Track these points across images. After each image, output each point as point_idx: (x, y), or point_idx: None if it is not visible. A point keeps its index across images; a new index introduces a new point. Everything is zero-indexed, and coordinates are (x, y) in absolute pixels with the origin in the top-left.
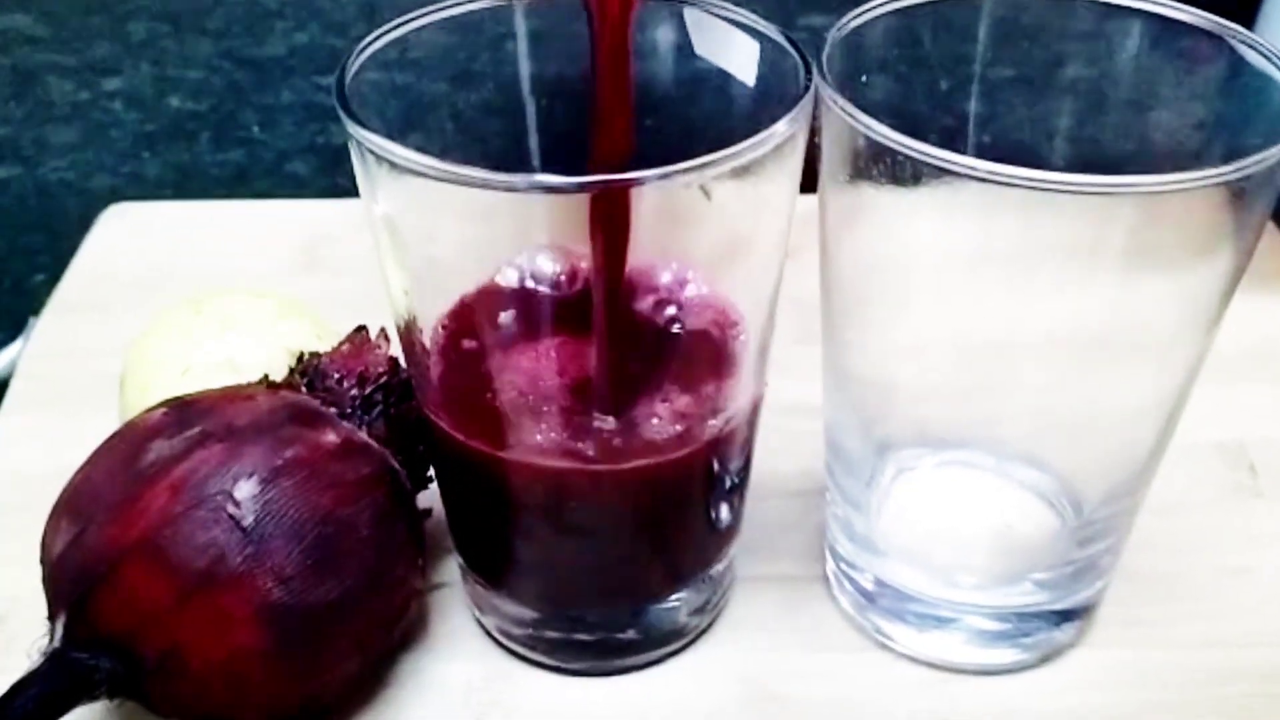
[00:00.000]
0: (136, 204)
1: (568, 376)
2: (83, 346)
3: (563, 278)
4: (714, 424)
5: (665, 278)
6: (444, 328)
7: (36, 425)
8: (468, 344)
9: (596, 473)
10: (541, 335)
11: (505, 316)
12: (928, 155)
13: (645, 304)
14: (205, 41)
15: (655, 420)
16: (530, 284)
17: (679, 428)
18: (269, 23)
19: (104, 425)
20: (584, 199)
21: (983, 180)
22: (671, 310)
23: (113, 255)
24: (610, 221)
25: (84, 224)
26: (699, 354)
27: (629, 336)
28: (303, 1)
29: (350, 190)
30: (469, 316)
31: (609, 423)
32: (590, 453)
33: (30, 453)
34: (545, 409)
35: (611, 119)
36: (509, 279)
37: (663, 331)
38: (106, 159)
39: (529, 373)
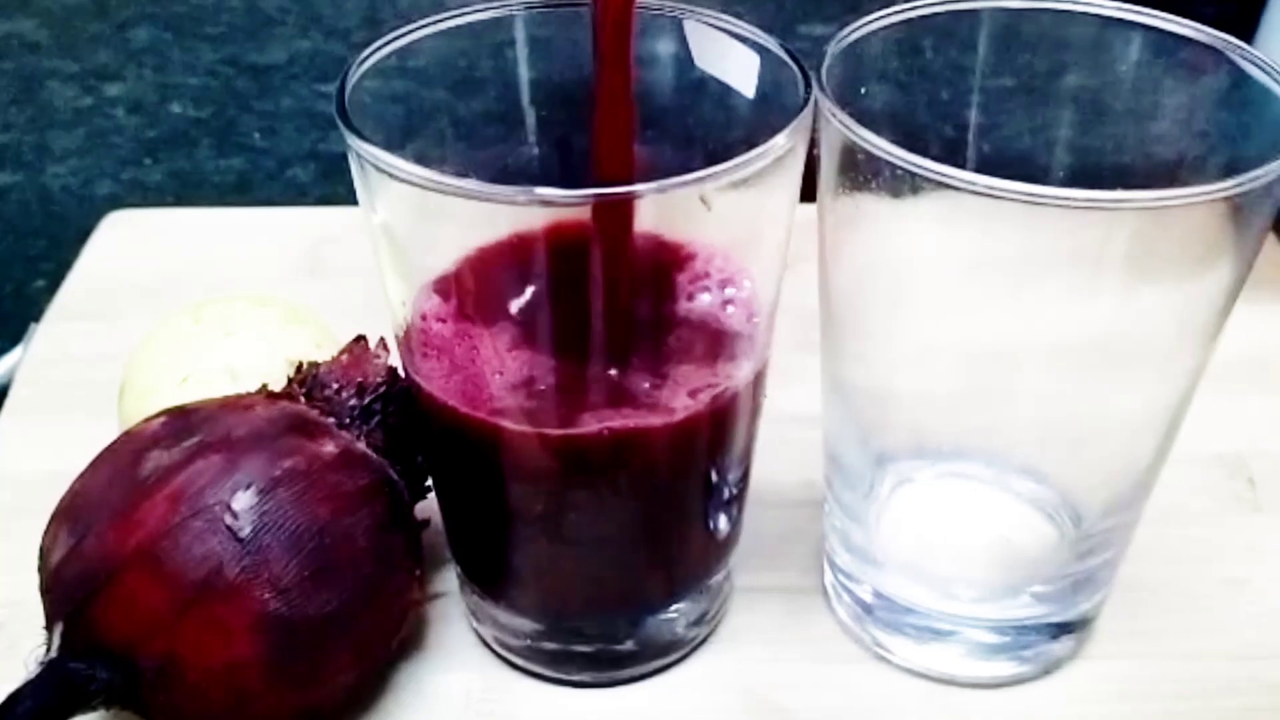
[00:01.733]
0: (137, 211)
1: (565, 340)
2: (83, 353)
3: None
4: (708, 396)
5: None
6: (436, 293)
7: (36, 431)
8: (461, 308)
9: (591, 439)
10: (537, 298)
11: (499, 280)
12: (926, 169)
13: (653, 274)
14: (207, 48)
15: (648, 388)
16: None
17: (676, 398)
18: (270, 29)
19: (104, 432)
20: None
21: (981, 194)
22: (678, 283)
23: (113, 262)
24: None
25: (85, 231)
26: (697, 328)
27: (629, 308)
28: (304, 8)
29: (351, 197)
30: (463, 280)
31: (604, 383)
32: (585, 415)
33: (30, 459)
34: (539, 370)
35: (613, 115)
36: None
37: (665, 301)
38: (108, 165)
39: (523, 336)
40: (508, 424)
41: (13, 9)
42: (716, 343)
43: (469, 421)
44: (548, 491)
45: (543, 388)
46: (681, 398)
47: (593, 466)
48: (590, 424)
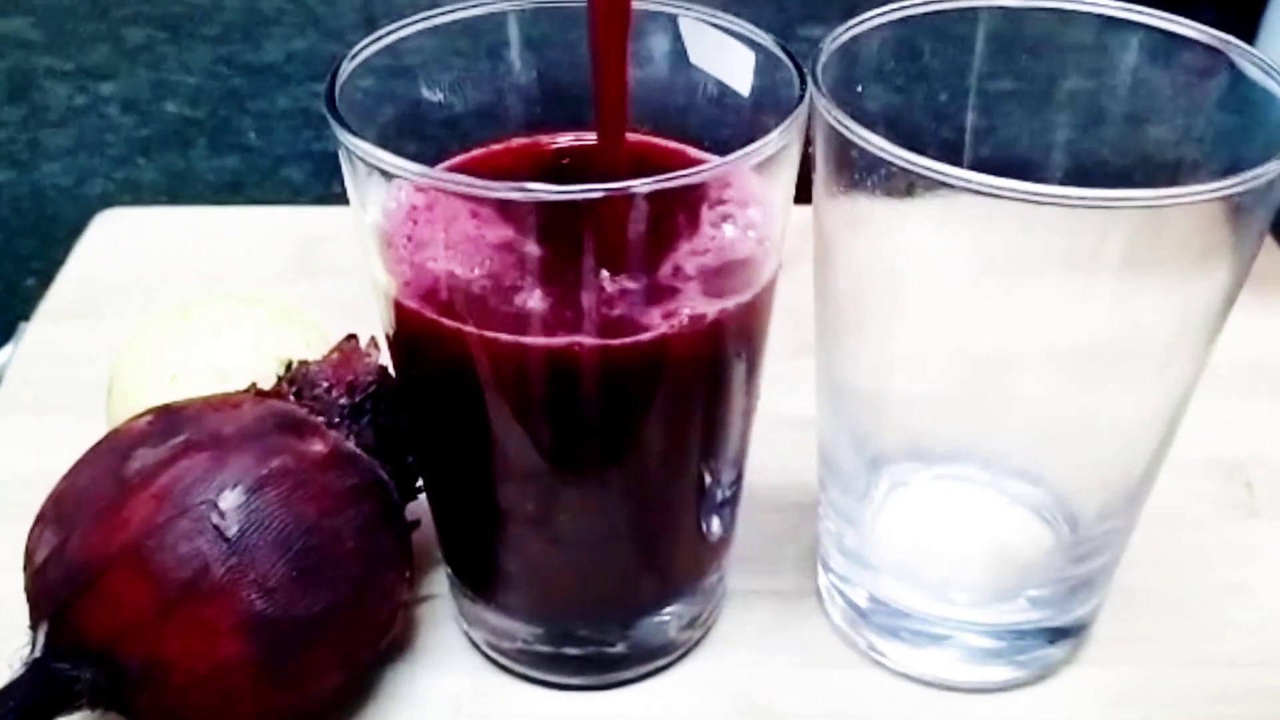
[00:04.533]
0: (129, 209)
1: (557, 247)
2: (73, 352)
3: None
4: (685, 320)
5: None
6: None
7: (25, 430)
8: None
9: (586, 351)
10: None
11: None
12: (921, 167)
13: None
14: (202, 47)
15: (625, 305)
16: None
17: (650, 317)
18: (266, 29)
19: (93, 431)
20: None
21: (977, 193)
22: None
23: (104, 261)
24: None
25: (78, 229)
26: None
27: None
28: (300, 8)
29: (345, 197)
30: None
31: (583, 298)
32: (578, 326)
33: (19, 458)
34: (529, 281)
35: (609, 102)
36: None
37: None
38: (101, 164)
39: (511, 245)
40: (472, 329)
41: (7, 7)
42: (712, 274)
43: (445, 333)
44: (536, 388)
45: (520, 296)
46: (655, 317)
47: (568, 383)
48: (562, 334)
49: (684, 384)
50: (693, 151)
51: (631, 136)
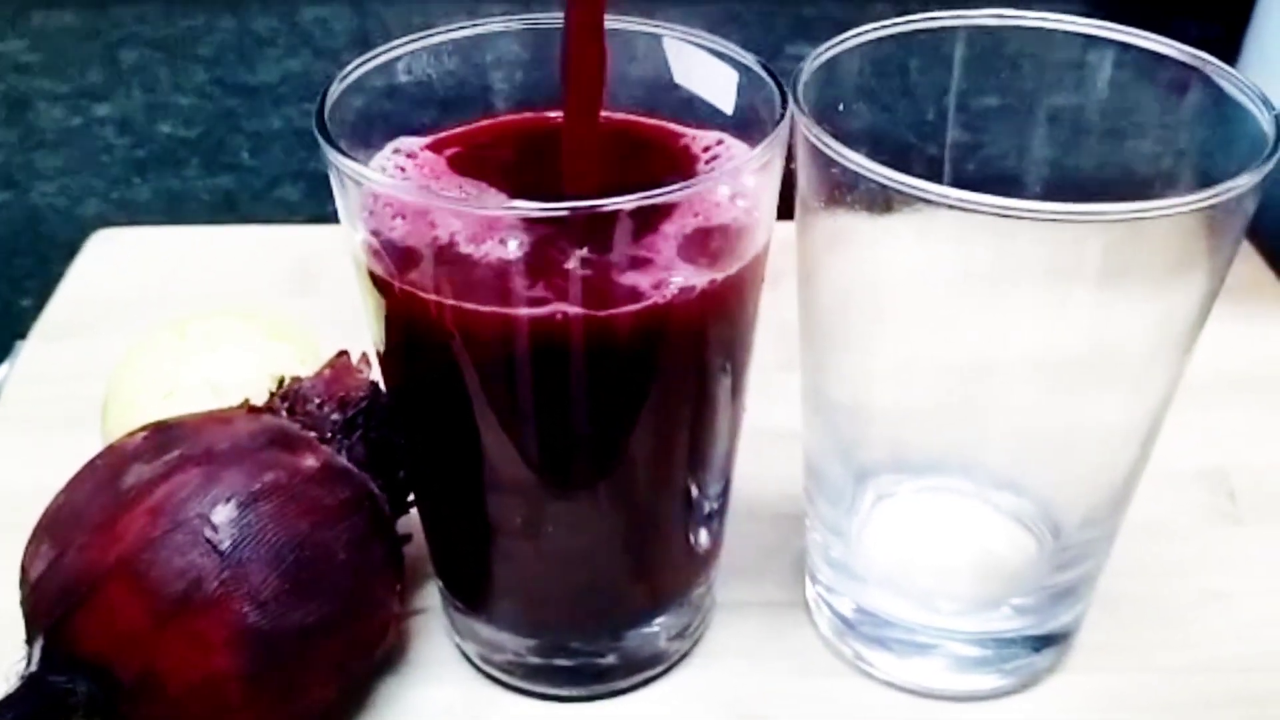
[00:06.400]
0: (124, 229)
1: (544, 225)
2: (68, 369)
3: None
4: (674, 290)
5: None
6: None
7: (21, 447)
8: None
9: (573, 322)
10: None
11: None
12: (899, 183)
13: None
14: (196, 68)
15: (613, 277)
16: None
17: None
18: (260, 50)
19: (88, 447)
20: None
21: (956, 208)
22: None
23: (99, 280)
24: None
25: (73, 249)
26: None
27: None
28: (294, 29)
29: (338, 216)
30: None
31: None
32: (566, 296)
33: (15, 473)
34: (514, 255)
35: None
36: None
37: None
38: (96, 185)
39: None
40: (458, 303)
41: (2, 30)
42: (700, 243)
43: (431, 310)
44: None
45: (505, 270)
46: (644, 287)
47: (554, 360)
48: (548, 306)
49: (672, 364)
50: (673, 127)
51: (616, 116)
